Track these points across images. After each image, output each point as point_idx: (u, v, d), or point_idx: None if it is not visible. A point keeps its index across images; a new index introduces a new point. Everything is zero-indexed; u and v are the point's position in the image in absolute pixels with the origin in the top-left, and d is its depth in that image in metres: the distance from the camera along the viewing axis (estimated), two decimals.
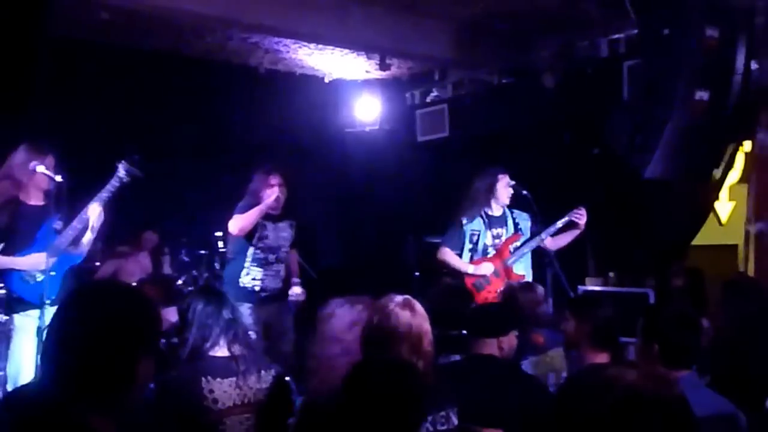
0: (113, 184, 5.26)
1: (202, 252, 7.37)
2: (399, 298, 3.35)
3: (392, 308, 3.28)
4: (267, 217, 6.33)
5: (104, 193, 5.25)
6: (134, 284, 7.10)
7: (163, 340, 6.57)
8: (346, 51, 8.38)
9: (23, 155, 5.07)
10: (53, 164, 5.11)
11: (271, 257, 6.39)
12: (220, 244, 7.45)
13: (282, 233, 6.46)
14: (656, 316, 3.69)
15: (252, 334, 5.99)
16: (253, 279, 6.32)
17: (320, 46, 8.13)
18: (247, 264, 6.31)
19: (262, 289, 6.33)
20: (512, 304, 5.31)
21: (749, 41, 5.89)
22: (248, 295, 6.26)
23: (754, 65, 6.10)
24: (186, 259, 7.55)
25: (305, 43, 8.05)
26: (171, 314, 6.92)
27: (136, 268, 7.79)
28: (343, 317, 3.59)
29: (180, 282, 7.35)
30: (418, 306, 3.35)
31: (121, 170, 5.29)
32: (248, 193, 6.39)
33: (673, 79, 5.74)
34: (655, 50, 5.87)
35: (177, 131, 8.04)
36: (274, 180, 6.33)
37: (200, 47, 8.04)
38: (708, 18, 5.65)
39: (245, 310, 6.08)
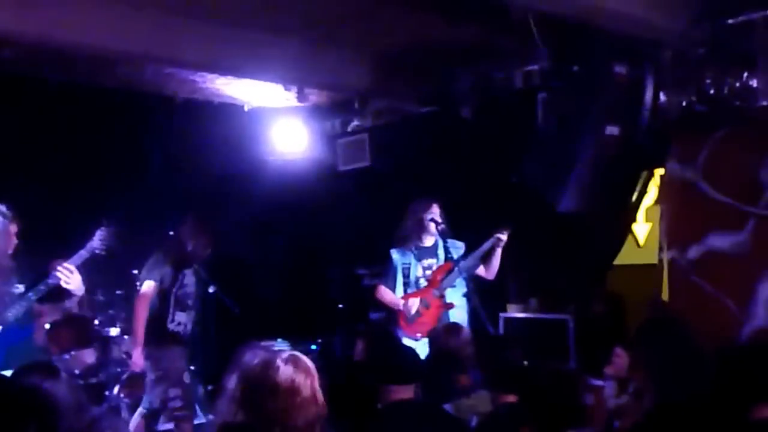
0: (81, 254, 4.74)
1: (119, 292, 7.20)
2: (286, 353, 3.36)
3: (277, 363, 3.28)
4: (185, 265, 6.58)
5: (77, 260, 4.69)
6: (48, 326, 6.89)
7: (81, 382, 6.45)
8: None
9: None
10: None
11: (189, 302, 6.60)
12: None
13: (192, 278, 6.68)
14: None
15: (186, 375, 6.48)
16: (178, 324, 6.52)
17: None
18: (171, 310, 6.50)
19: (184, 333, 6.56)
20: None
21: (657, 75, 6.01)
22: (175, 337, 6.53)
23: (662, 97, 6.21)
24: (101, 298, 7.34)
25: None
26: (88, 356, 6.81)
27: (51, 310, 7.55)
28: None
29: (97, 322, 7.17)
30: (304, 362, 3.34)
31: (97, 239, 4.77)
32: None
33: (583, 115, 5.84)
34: (565, 86, 5.96)
35: (90, 162, 7.85)
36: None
37: (112, 78, 7.82)
38: (616, 55, 5.76)
39: (177, 352, 6.50)
